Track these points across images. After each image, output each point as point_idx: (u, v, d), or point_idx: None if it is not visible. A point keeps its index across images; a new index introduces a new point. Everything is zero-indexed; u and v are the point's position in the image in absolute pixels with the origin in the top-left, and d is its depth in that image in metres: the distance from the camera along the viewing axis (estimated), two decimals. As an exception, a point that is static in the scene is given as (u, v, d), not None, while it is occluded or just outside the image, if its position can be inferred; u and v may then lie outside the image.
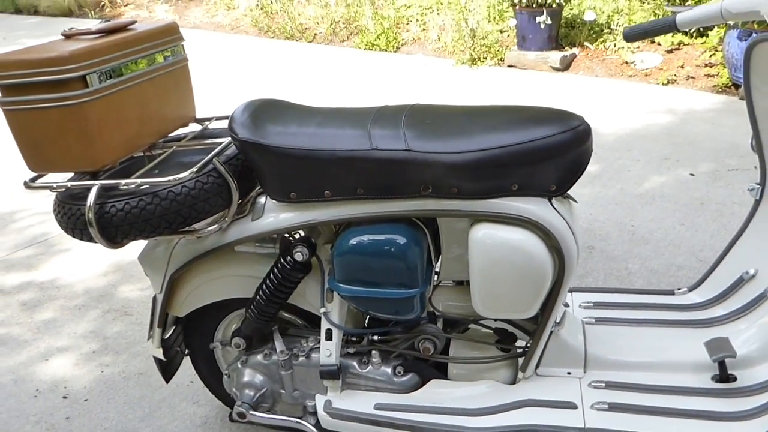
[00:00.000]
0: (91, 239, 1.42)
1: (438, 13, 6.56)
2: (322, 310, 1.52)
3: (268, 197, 1.47)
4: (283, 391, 1.65)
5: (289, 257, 1.47)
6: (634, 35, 1.50)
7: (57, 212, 1.46)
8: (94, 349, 2.33)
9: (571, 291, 1.82)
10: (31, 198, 3.62)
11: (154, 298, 1.66)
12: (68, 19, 9.84)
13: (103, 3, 9.71)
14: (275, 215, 1.46)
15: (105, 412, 2.03)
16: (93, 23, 1.49)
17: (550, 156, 1.30)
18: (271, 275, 1.51)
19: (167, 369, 1.81)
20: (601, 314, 1.68)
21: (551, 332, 1.48)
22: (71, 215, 1.42)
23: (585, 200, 3.15)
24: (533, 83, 5.11)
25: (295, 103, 1.55)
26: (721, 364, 1.43)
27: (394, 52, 6.39)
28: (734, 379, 1.43)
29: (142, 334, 2.39)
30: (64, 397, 2.11)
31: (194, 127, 1.73)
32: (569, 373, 1.51)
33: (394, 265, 1.39)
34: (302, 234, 1.53)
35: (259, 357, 1.64)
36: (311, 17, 7.41)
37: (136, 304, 2.58)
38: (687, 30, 5.25)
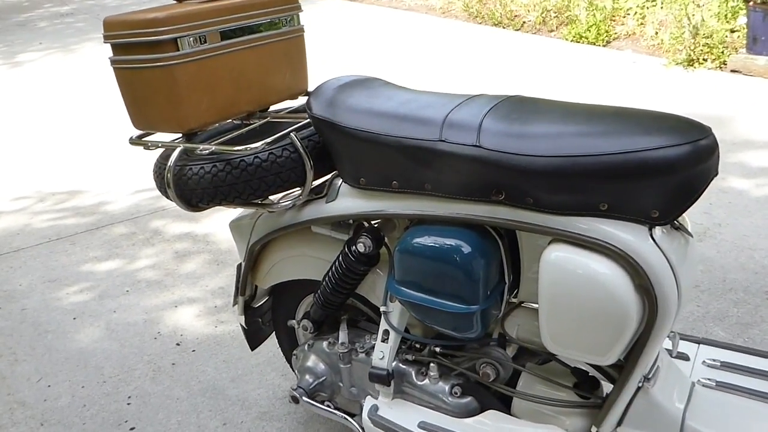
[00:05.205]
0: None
1: (662, 7, 5.92)
2: (383, 308, 1.40)
3: (343, 180, 1.38)
4: (342, 385, 1.57)
5: (353, 247, 1.38)
6: None
7: (153, 171, 1.52)
8: (216, 305, 2.45)
9: (699, 342, 1.50)
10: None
11: (239, 266, 1.67)
12: None
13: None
14: (347, 200, 1.37)
15: (204, 366, 2.12)
16: None
17: (654, 173, 1.04)
18: (337, 264, 1.43)
19: (252, 337, 1.83)
20: (725, 378, 1.35)
21: (639, 387, 1.21)
22: (159, 174, 1.46)
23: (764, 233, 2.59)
24: (759, 94, 4.37)
25: (391, 82, 1.44)
26: None
27: (603, 46, 5.89)
28: None
29: (261, 298, 2.46)
30: (177, 344, 2.24)
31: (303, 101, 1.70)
32: (656, 442, 1.23)
33: (454, 274, 1.22)
34: (372, 224, 1.42)
35: (324, 344, 1.57)
36: (523, 4, 7.13)
37: (266, 269, 2.68)
38: None
